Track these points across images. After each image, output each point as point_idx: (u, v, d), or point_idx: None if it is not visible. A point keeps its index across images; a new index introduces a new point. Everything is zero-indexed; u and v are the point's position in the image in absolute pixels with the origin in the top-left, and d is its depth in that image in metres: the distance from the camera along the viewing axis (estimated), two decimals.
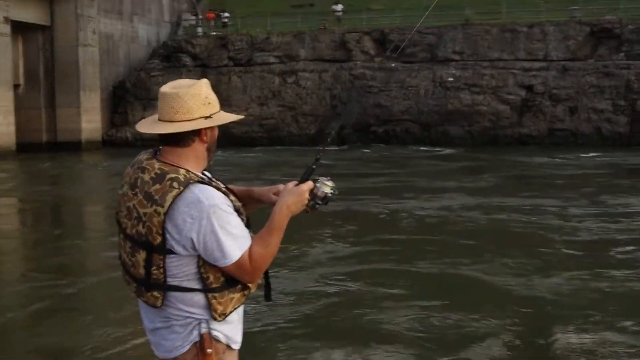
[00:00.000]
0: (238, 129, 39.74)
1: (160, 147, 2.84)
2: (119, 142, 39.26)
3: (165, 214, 2.63)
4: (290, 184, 2.90)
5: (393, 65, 38.83)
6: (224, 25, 46.09)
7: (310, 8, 47.99)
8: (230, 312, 2.78)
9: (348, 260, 9.59)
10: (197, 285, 2.73)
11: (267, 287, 3.06)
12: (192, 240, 2.65)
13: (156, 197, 2.66)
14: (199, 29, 47.16)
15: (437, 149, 33.77)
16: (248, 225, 2.85)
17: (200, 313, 2.75)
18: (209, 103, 2.79)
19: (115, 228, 2.88)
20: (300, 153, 31.36)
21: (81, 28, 38.84)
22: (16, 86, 37.13)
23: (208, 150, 2.83)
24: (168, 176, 2.68)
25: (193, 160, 2.78)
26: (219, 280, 2.73)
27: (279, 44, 41.29)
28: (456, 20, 40.02)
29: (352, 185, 18.10)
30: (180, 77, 33.28)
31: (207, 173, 2.96)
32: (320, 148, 3.14)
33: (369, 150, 33.86)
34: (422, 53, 39.02)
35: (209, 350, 2.75)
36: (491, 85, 36.88)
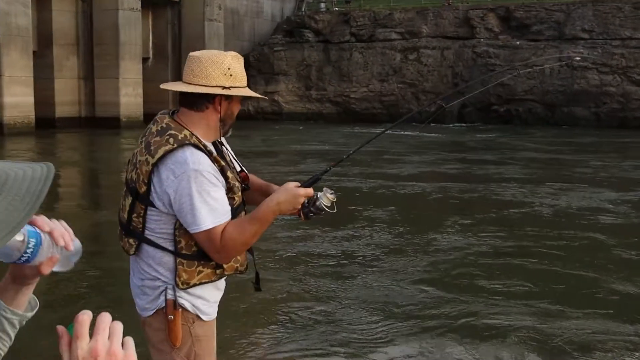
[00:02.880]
0: (359, 105, 39.85)
1: (178, 109, 2.95)
2: (241, 115, 39.60)
3: (154, 164, 2.73)
4: (291, 184, 2.88)
5: (518, 43, 37.89)
6: (347, 1, 46.09)
7: None
8: (195, 284, 2.79)
9: (475, 253, 9.26)
10: (169, 247, 2.78)
11: (256, 276, 3.11)
12: (169, 197, 2.72)
13: (152, 148, 2.76)
14: (322, 5, 47.35)
15: None
16: (240, 209, 2.91)
17: (167, 276, 2.80)
18: (231, 75, 2.83)
19: None
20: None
21: (208, 3, 39.66)
22: (145, 59, 38.39)
23: (222, 121, 2.89)
24: (169, 132, 2.78)
25: (204, 127, 2.85)
26: (190, 248, 2.77)
27: (402, 20, 40.95)
28: None
29: (541, 172, 16.83)
30: (302, 53, 33.56)
31: (225, 144, 3.07)
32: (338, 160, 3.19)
33: (540, 133, 32.80)
34: (548, 31, 37.88)
35: (170, 317, 2.80)
36: (621, 65, 35.46)
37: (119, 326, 1.17)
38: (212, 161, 2.78)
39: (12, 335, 1.44)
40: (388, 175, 16.44)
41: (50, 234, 1.31)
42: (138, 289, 2.91)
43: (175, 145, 2.72)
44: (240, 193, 2.91)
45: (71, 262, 1.40)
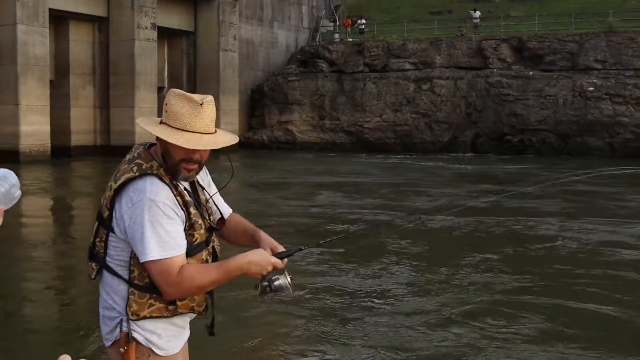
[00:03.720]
0: (372, 134, 39.98)
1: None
2: (256, 144, 40.17)
3: (116, 190, 2.75)
4: (269, 250, 2.89)
5: (531, 73, 37.98)
6: (361, 31, 46.43)
7: (448, 15, 47.67)
8: (145, 317, 2.79)
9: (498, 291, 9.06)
10: (124, 275, 2.79)
11: (211, 320, 3.05)
12: (124, 223, 2.73)
13: (117, 174, 2.80)
14: (336, 35, 47.70)
15: None
16: (200, 247, 2.88)
17: (120, 305, 2.81)
18: (166, 111, 2.84)
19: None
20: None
21: (223, 34, 40.07)
22: (160, 88, 38.71)
23: (163, 156, 2.83)
24: (136, 161, 2.81)
25: (161, 158, 2.83)
26: (143, 279, 2.77)
27: (415, 50, 41.17)
28: (599, 28, 38.72)
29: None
30: (316, 82, 33.38)
31: (206, 184, 3.06)
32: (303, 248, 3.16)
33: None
34: (561, 61, 37.97)
35: (121, 349, 2.79)
36: (635, 95, 35.47)
37: None
38: (175, 195, 2.78)
39: None
40: (416, 207, 15.95)
41: None
42: (101, 318, 2.94)
43: (138, 174, 2.75)
44: (202, 231, 2.89)
45: (13, 194, 1.31)
